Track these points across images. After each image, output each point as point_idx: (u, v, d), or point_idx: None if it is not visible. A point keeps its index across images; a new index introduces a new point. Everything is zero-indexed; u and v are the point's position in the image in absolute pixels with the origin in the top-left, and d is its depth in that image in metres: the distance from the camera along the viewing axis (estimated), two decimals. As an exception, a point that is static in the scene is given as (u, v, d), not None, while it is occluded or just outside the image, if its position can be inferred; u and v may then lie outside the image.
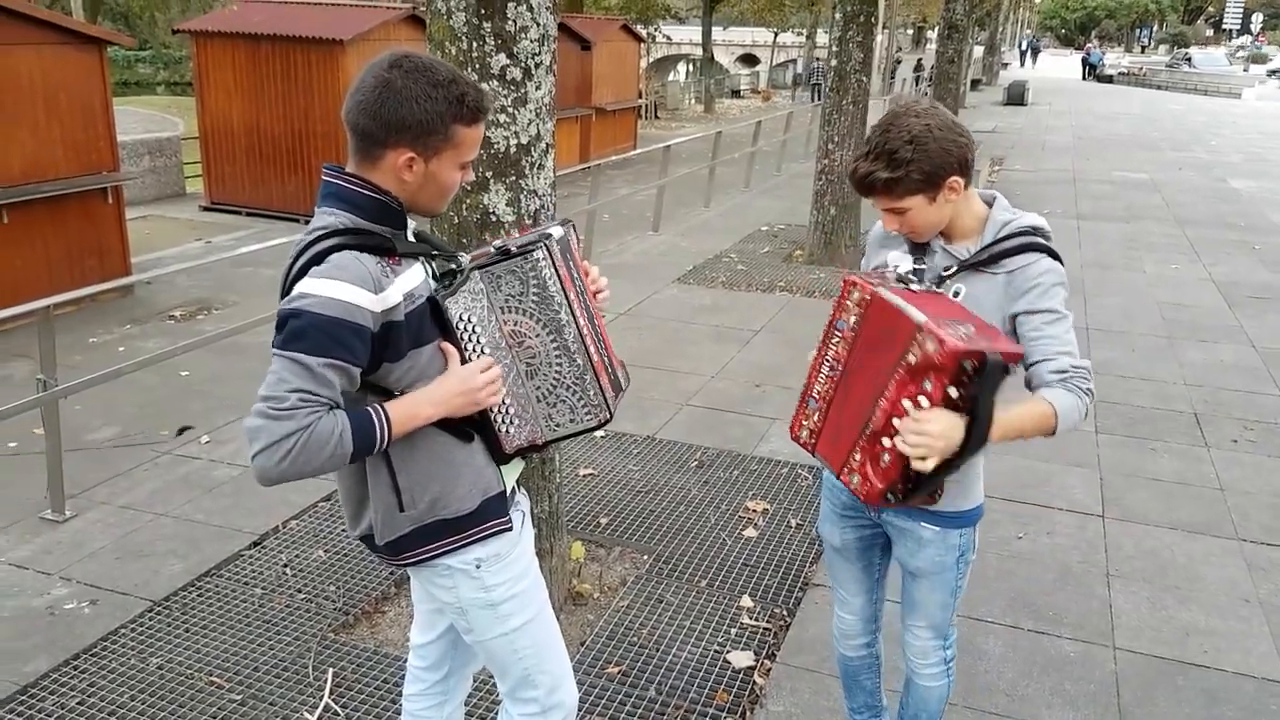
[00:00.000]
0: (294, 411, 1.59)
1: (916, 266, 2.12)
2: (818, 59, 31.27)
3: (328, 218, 1.74)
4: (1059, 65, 50.41)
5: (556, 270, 1.83)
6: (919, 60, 31.08)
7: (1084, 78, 43.91)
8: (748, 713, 3.00)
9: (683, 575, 3.73)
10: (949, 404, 1.81)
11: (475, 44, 2.93)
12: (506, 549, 1.94)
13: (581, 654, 3.23)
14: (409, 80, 1.69)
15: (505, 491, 1.94)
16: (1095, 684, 3.18)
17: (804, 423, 2.16)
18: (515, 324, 1.85)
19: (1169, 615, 3.57)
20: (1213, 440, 5.10)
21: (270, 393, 1.61)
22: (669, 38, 32.22)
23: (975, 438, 1.82)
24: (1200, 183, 14.09)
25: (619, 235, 10.08)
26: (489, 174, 3.04)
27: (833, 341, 2.07)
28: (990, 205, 2.14)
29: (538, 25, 2.99)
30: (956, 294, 2.08)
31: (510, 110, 3.00)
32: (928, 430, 1.79)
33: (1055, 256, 2.05)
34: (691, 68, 37.57)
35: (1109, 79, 42.71)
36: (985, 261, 2.05)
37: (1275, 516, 4.29)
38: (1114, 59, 46.71)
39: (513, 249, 1.83)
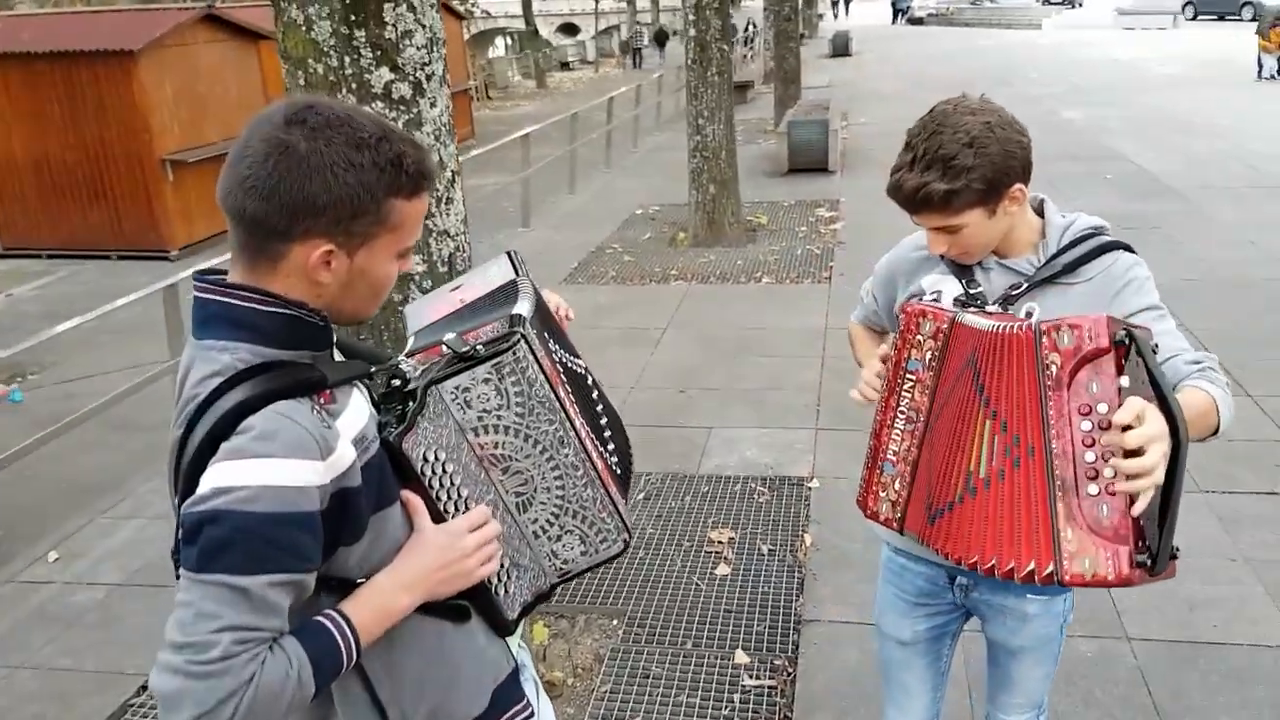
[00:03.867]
0: (227, 663, 1.08)
1: (970, 290, 1.76)
2: (638, 24, 30.95)
3: (220, 356, 1.20)
4: (870, 11, 51.93)
5: (540, 364, 1.38)
6: (749, 21, 31.08)
7: (894, 22, 45.39)
8: (782, 800, 2.60)
9: (663, 638, 3.29)
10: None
11: (348, 58, 2.40)
12: None
13: (576, 765, 2.76)
14: (319, 142, 1.17)
15: (516, 668, 1.50)
16: (1123, 685, 2.96)
17: (880, 494, 1.78)
18: (496, 445, 1.39)
19: (1167, 591, 3.38)
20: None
21: (188, 638, 1.08)
22: (488, 12, 31.12)
23: (1179, 426, 1.36)
24: (1034, 116, 14.47)
25: (486, 236, 9.43)
26: (389, 215, 2.48)
27: (904, 388, 1.71)
28: (1040, 211, 1.81)
29: (423, 28, 2.48)
30: (1029, 314, 1.73)
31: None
32: (1141, 434, 1.32)
33: (1132, 251, 1.75)
34: (510, 41, 36.55)
35: (920, 21, 44.25)
36: (1060, 272, 1.72)
37: (1227, 461, 4.21)
38: (922, 0, 48.49)
39: (479, 349, 1.35)
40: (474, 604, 1.40)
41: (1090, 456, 1.40)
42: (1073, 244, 1.75)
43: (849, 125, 14.51)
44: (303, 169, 1.16)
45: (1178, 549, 1.49)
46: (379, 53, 2.40)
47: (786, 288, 7.06)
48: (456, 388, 1.35)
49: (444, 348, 1.39)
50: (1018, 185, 1.66)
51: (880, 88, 19.77)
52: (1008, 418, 1.51)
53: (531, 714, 1.50)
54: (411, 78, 2.47)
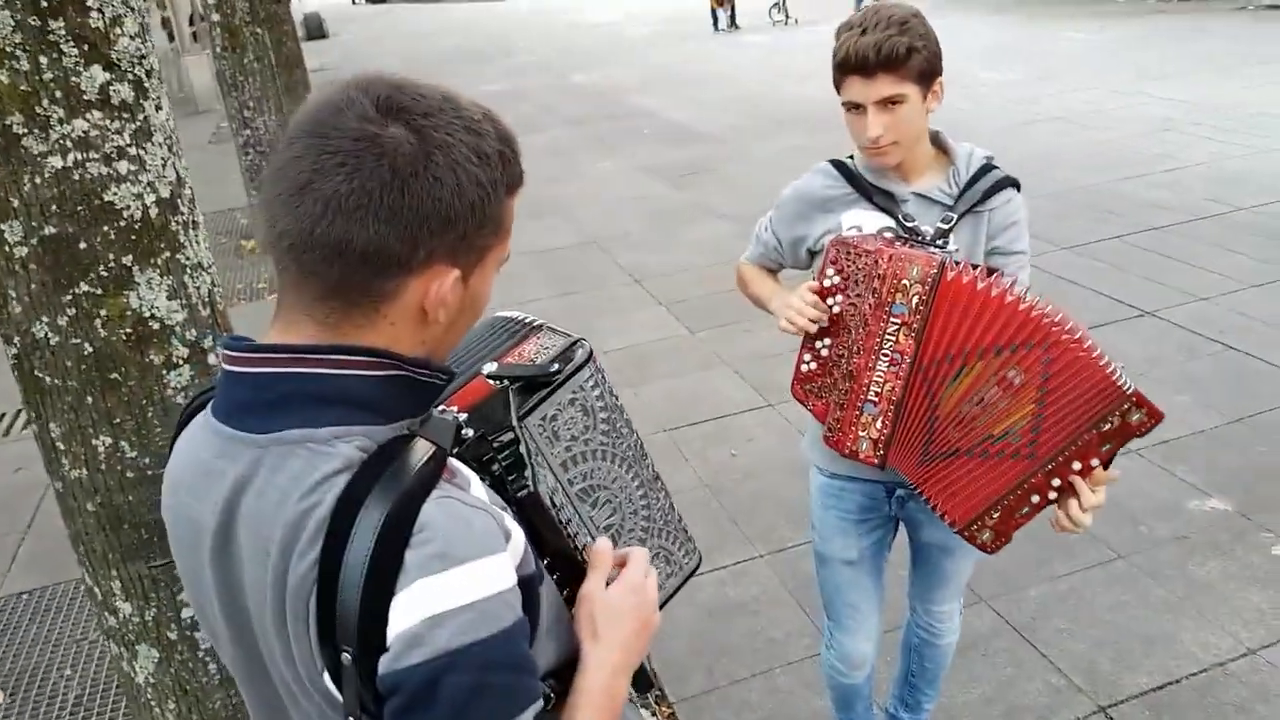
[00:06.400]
0: None
1: (907, 224, 1.80)
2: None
3: (330, 449, 0.86)
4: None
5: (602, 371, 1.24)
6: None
7: (354, 2, 44.66)
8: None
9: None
10: None
11: (45, 58, 1.79)
12: None
13: None
14: (440, 133, 0.86)
15: None
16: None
17: (859, 434, 1.78)
18: (586, 476, 1.21)
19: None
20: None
21: None
22: None
23: None
24: (554, 83, 15.13)
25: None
26: (128, 259, 1.91)
27: (889, 331, 1.70)
28: (935, 138, 1.89)
29: (132, 11, 1.93)
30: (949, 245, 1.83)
31: (133, 150, 1.89)
32: (1099, 504, 1.62)
33: (1019, 190, 1.90)
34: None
35: (382, 0, 43.98)
36: (978, 201, 1.81)
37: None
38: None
39: (550, 367, 1.17)
40: None
41: (1058, 489, 1.65)
42: (980, 173, 1.82)
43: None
44: (432, 172, 0.84)
45: None
46: (86, 46, 1.78)
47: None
48: (544, 419, 1.13)
49: (490, 381, 1.15)
50: (940, 80, 1.72)
51: (383, 65, 19.30)
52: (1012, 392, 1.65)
53: None
54: (131, 75, 1.87)
